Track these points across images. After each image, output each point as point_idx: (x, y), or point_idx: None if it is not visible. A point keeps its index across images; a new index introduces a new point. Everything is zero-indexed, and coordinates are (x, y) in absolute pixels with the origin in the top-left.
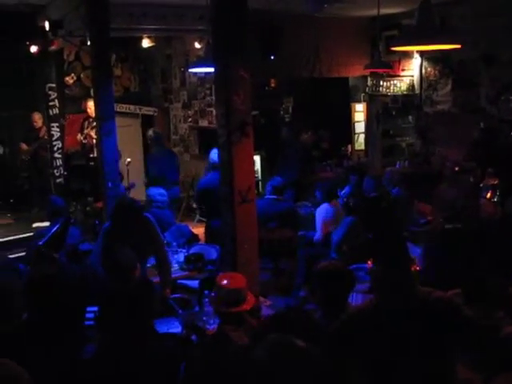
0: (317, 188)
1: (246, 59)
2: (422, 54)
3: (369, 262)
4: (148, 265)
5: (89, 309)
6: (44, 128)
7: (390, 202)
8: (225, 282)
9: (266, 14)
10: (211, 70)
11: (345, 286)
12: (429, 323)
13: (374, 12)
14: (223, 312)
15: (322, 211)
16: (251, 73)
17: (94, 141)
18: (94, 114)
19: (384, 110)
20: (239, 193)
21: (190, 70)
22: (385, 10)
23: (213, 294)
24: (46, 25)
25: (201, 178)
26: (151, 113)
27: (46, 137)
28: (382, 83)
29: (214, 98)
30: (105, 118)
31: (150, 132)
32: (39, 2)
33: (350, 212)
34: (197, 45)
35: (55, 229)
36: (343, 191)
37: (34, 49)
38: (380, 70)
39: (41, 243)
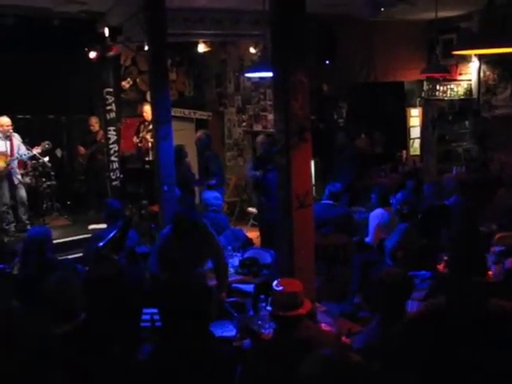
0: (373, 192)
1: (304, 64)
2: (480, 57)
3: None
4: (205, 268)
5: (145, 310)
6: (101, 132)
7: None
8: (281, 286)
9: (321, 18)
10: (267, 74)
11: (404, 294)
12: (497, 337)
13: (431, 15)
14: (279, 316)
15: (376, 216)
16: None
17: (150, 144)
18: (149, 118)
19: (440, 115)
20: (297, 197)
21: (246, 75)
22: (442, 14)
23: (269, 299)
24: (106, 31)
25: None
26: (205, 117)
27: (102, 140)
28: (438, 87)
29: (268, 102)
30: (161, 121)
31: (200, 134)
32: (99, 10)
33: (403, 219)
34: (252, 49)
35: (116, 231)
36: (396, 197)
37: (92, 54)
38: (437, 75)
39: (101, 245)
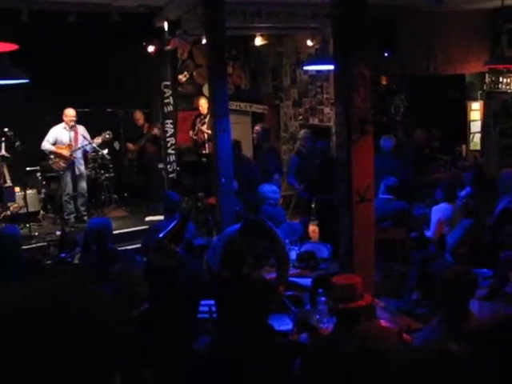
0: (438, 186)
1: (366, 56)
2: None
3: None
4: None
5: (203, 302)
6: (146, 125)
7: None
8: (339, 279)
9: (381, 9)
10: (326, 67)
11: (469, 293)
12: None
13: (496, 3)
14: (338, 309)
15: (439, 210)
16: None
17: (206, 137)
18: (205, 111)
19: (502, 109)
20: (357, 192)
21: (305, 68)
22: (509, 1)
23: (328, 293)
24: (165, 25)
25: None
26: (261, 110)
27: (153, 131)
28: (501, 80)
29: (325, 96)
30: (220, 115)
31: (258, 127)
32: (157, 4)
33: (468, 214)
34: (309, 42)
35: (176, 222)
36: (463, 192)
37: (150, 48)
38: (501, 66)
39: (161, 236)
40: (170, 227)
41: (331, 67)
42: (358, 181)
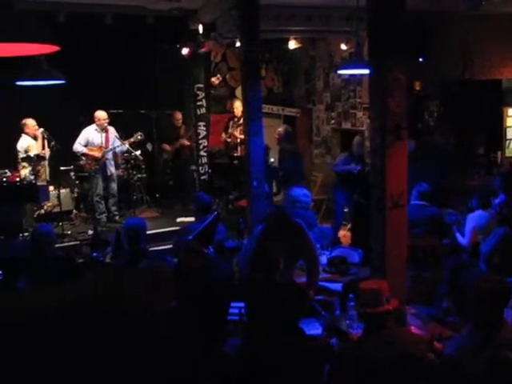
0: (474, 194)
1: (402, 60)
2: None
3: None
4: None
5: (233, 304)
6: (183, 127)
7: None
8: (366, 284)
9: (416, 12)
10: (360, 71)
11: (502, 303)
12: None
13: None
14: (364, 313)
15: (473, 218)
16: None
17: (239, 140)
18: (239, 114)
19: None
20: (391, 197)
21: (339, 72)
22: None
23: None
24: (200, 28)
25: None
26: (294, 114)
27: (183, 142)
28: None
29: (358, 100)
30: (253, 118)
31: (280, 129)
32: (191, 7)
33: (503, 222)
34: (343, 46)
35: (205, 224)
36: (497, 200)
37: (185, 51)
38: None
39: (191, 237)
40: (201, 228)
41: (365, 71)
42: (391, 186)
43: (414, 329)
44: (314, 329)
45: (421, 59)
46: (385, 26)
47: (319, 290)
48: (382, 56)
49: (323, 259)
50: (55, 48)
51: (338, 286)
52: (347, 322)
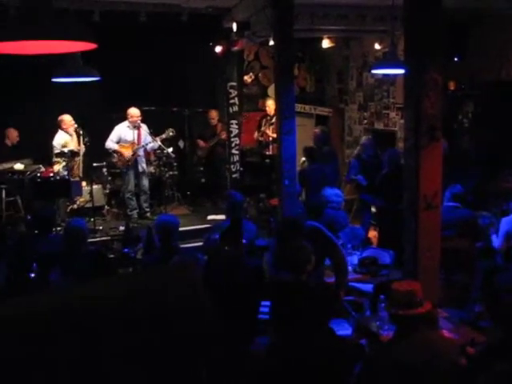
0: (509, 197)
1: (438, 60)
2: None
3: None
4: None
5: (263, 303)
6: (219, 125)
7: None
8: (399, 285)
9: (452, 11)
10: (395, 71)
11: None
12: None
13: None
14: (399, 316)
15: (508, 221)
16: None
17: (271, 138)
18: (272, 113)
19: None
20: (424, 198)
21: (373, 71)
22: None
23: (387, 299)
24: (234, 26)
25: None
26: (326, 113)
27: (223, 136)
28: None
29: (391, 100)
30: (286, 116)
31: (317, 130)
32: (225, 5)
33: None
34: (377, 46)
35: (228, 223)
36: None
37: (218, 49)
38: None
39: (218, 236)
40: (226, 228)
41: (400, 71)
42: (425, 187)
43: (445, 332)
44: (343, 329)
45: (456, 59)
46: (422, 25)
47: (349, 291)
48: (418, 55)
49: (354, 259)
50: (93, 45)
51: (368, 287)
52: (377, 323)
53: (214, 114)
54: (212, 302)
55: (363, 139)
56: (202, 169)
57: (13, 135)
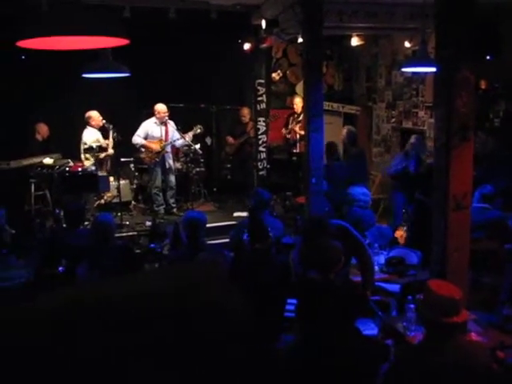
0: None
1: (470, 59)
2: None
3: None
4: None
5: (290, 301)
6: (250, 123)
7: None
8: (439, 288)
9: (484, 9)
10: (424, 69)
11: None
12: None
13: None
14: (431, 320)
15: None
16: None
17: (298, 136)
18: (299, 110)
19: None
20: (454, 198)
21: (403, 69)
22: None
23: (421, 298)
24: (263, 23)
25: None
26: (354, 111)
27: (251, 134)
28: None
29: (420, 99)
30: (314, 114)
31: (345, 130)
32: (254, 2)
33: None
34: (407, 44)
35: (250, 221)
36: None
37: (246, 46)
38: None
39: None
40: (250, 225)
41: (430, 69)
42: (455, 187)
43: (473, 335)
44: (369, 329)
45: (488, 57)
46: (454, 23)
47: (376, 290)
48: (450, 54)
49: (381, 259)
50: (125, 41)
51: (395, 287)
52: (404, 323)
53: (245, 112)
54: (243, 301)
55: (412, 138)
56: (228, 166)
57: (43, 130)
